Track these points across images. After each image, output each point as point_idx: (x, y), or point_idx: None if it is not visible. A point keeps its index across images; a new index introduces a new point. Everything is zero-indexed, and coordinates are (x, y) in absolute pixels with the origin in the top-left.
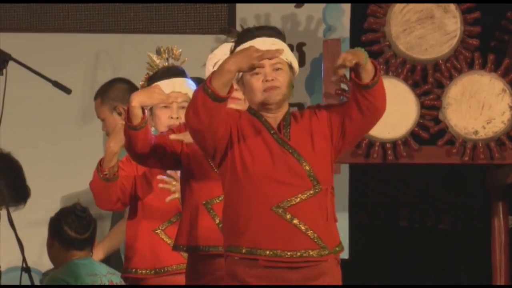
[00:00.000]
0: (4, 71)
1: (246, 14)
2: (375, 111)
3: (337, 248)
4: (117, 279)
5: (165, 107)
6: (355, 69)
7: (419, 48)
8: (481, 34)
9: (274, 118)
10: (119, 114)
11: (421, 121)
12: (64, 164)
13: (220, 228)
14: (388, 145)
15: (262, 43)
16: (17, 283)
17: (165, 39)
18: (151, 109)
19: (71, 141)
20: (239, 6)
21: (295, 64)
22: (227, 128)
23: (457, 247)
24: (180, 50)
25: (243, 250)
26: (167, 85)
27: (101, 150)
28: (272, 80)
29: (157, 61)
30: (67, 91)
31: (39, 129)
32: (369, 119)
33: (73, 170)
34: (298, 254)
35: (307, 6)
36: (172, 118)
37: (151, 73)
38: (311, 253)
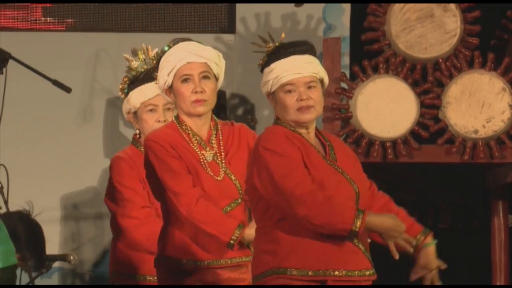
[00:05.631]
0: (4, 69)
1: (246, 13)
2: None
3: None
4: None
5: (151, 110)
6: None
7: (419, 47)
8: (481, 33)
9: (307, 134)
10: None
11: (421, 120)
12: (64, 162)
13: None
14: (388, 144)
15: (296, 62)
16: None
17: (164, 38)
18: (135, 113)
19: (71, 140)
20: (239, 5)
21: (326, 79)
22: None
23: (457, 246)
24: (156, 49)
25: (310, 273)
26: (151, 88)
27: (101, 149)
28: (307, 99)
29: (135, 64)
30: (67, 90)
31: (38, 128)
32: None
33: (73, 169)
34: (367, 273)
35: (307, 5)
36: (159, 121)
37: (130, 75)
38: (371, 272)
